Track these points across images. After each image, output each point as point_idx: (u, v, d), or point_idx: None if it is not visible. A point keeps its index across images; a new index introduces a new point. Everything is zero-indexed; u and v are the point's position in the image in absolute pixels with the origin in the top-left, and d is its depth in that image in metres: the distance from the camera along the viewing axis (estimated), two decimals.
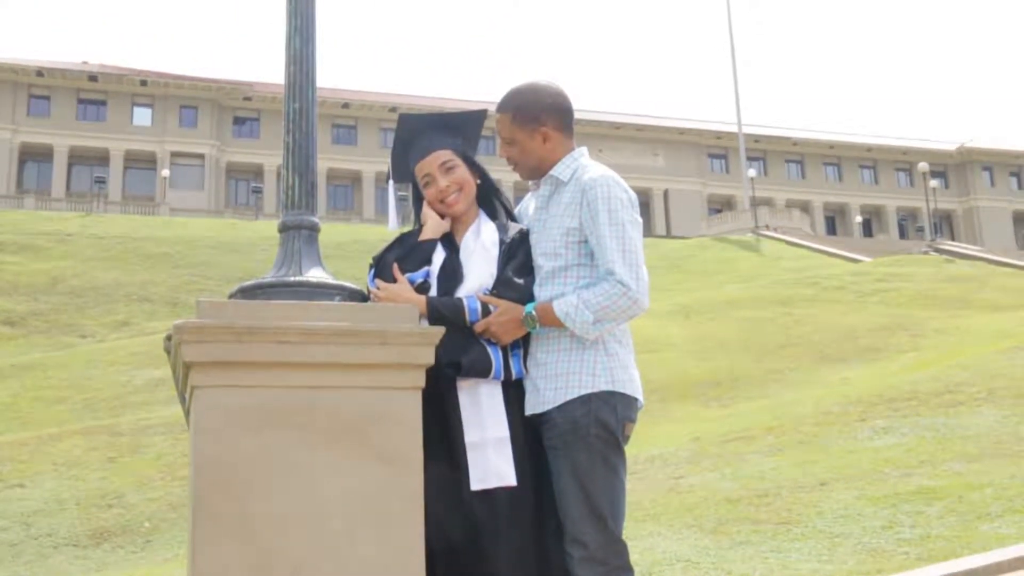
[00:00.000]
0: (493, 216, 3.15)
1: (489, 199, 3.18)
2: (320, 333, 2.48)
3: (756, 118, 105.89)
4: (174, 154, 59.75)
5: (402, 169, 3.16)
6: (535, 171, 3.11)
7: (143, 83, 60.56)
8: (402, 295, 2.88)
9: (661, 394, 13.32)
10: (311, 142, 2.86)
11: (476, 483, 2.82)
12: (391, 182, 3.20)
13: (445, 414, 2.85)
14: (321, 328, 2.49)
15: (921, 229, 62.89)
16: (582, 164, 3.08)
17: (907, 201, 72.33)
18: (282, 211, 2.85)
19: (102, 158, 59.46)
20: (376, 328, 2.54)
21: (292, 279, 2.69)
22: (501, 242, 3.06)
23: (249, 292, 2.67)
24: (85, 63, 61.86)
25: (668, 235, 56.82)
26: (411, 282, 2.93)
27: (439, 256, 3.01)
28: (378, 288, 2.93)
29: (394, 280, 2.94)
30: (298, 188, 2.82)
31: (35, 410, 15.15)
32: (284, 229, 2.83)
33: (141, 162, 60.36)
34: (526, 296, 2.96)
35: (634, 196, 3.04)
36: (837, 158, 73.36)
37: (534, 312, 2.91)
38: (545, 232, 3.03)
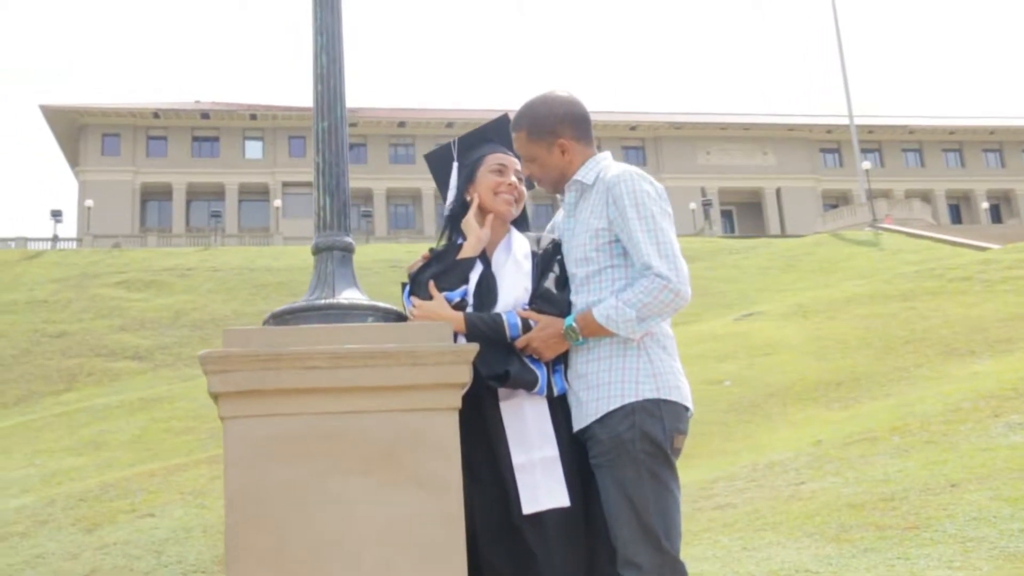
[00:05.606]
0: (524, 230, 3.09)
1: (523, 216, 3.14)
2: (348, 356, 2.40)
3: (869, 108, 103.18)
4: (285, 184, 61.41)
5: (476, 141, 3.14)
6: (558, 184, 3.04)
7: (252, 117, 62.50)
8: (438, 312, 2.78)
9: (780, 398, 12.95)
10: (342, 161, 2.80)
11: (527, 506, 2.69)
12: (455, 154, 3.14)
13: (489, 434, 2.74)
14: (349, 351, 2.41)
15: None
16: (605, 166, 2.98)
17: None
18: (315, 232, 2.80)
19: (217, 193, 61.58)
20: (407, 348, 2.45)
21: (322, 302, 2.63)
22: (533, 254, 2.98)
23: (280, 318, 2.62)
24: (197, 102, 64.23)
25: (782, 234, 55.60)
26: (448, 300, 2.84)
27: (476, 274, 2.92)
28: (414, 306, 2.85)
29: (431, 298, 2.85)
30: (329, 208, 2.76)
31: (163, 441, 15.61)
32: (317, 251, 2.77)
33: (254, 194, 62.26)
34: (566, 309, 2.86)
35: (661, 188, 2.93)
36: (958, 143, 70.67)
37: (575, 324, 2.80)
38: (575, 239, 2.94)
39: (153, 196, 61.61)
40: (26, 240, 50.16)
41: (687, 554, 6.11)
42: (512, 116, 3.07)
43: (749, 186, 66.75)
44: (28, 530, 9.75)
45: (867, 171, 53.61)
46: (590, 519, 2.76)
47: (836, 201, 66.75)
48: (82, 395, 21.58)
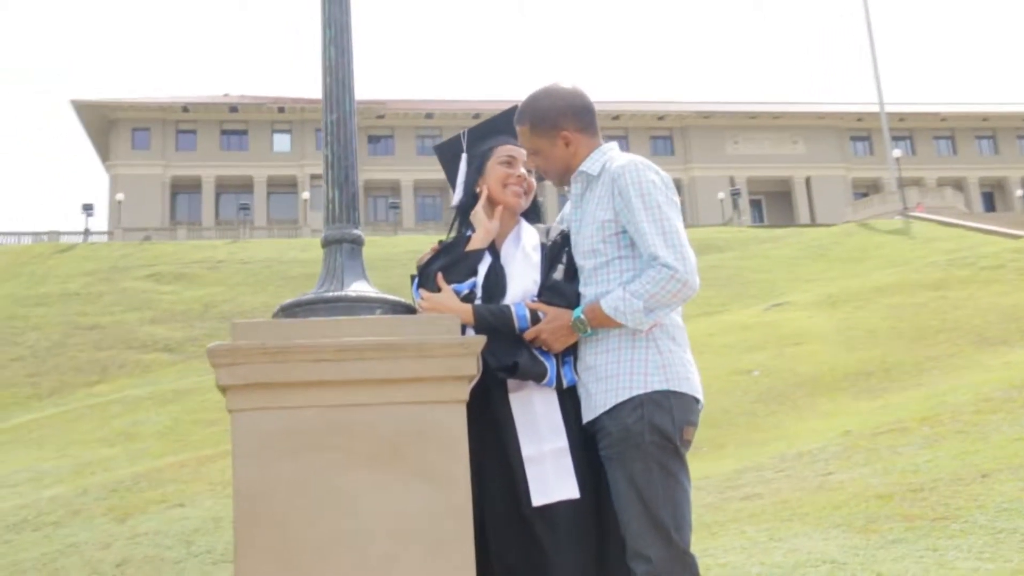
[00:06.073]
0: (535, 221, 3.08)
1: (534, 207, 3.12)
2: (355, 349, 2.38)
3: (899, 95, 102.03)
4: (313, 176, 61.65)
5: (485, 133, 3.11)
6: (564, 176, 3.02)
7: (280, 110, 62.81)
8: (446, 304, 2.78)
9: (809, 388, 12.86)
10: (350, 153, 2.79)
11: (537, 498, 2.67)
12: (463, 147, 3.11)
13: (498, 426, 2.73)
14: (356, 344, 2.39)
15: None
16: (611, 156, 2.95)
17: None
18: (324, 225, 2.79)
19: (246, 185, 61.97)
20: (413, 340, 2.43)
21: (330, 295, 2.62)
22: (542, 246, 2.96)
23: (289, 310, 2.61)
24: (226, 95, 64.63)
25: (812, 223, 55.16)
26: (457, 292, 2.82)
27: (484, 266, 2.90)
28: (423, 298, 2.84)
29: (439, 290, 2.84)
30: (338, 201, 2.75)
31: (194, 432, 15.75)
32: (326, 244, 2.76)
33: (283, 186, 62.61)
34: (574, 301, 2.84)
35: (667, 177, 2.91)
36: (991, 130, 69.70)
37: (583, 315, 2.78)
38: (582, 231, 2.92)
39: (183, 189, 62.10)
40: (58, 234, 50.68)
41: (714, 544, 6.10)
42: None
43: (778, 175, 66.27)
44: (61, 520, 9.88)
45: (898, 159, 52.98)
46: (601, 512, 2.74)
47: (866, 190, 66.13)
48: (114, 387, 21.82)
